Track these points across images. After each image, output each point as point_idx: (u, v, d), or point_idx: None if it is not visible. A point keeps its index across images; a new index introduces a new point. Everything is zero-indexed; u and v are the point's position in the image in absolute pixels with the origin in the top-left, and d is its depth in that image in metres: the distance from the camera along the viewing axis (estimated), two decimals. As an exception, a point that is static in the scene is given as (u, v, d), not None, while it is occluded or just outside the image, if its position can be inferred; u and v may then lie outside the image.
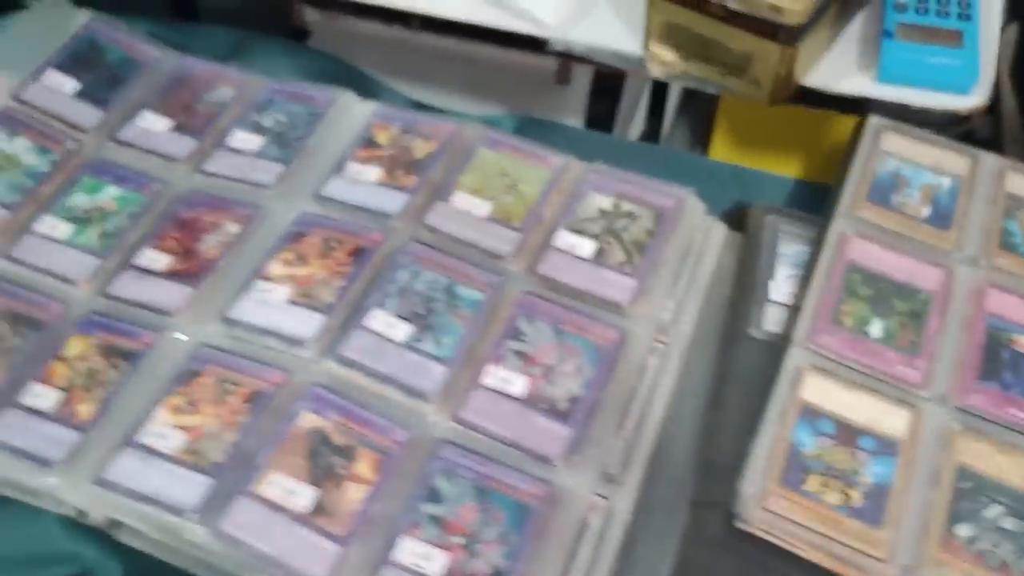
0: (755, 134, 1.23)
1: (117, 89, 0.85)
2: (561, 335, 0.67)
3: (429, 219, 0.73)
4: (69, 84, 0.84)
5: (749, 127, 1.23)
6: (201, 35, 0.94)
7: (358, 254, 0.72)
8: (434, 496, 0.61)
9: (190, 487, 0.61)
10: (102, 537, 0.63)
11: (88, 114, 0.83)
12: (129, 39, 0.88)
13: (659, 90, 1.23)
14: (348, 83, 0.86)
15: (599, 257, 0.71)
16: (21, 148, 0.80)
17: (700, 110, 1.28)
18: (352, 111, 0.82)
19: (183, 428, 0.64)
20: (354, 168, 0.77)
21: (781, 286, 0.71)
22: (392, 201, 0.75)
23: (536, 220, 0.73)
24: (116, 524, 0.62)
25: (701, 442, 0.66)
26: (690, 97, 1.28)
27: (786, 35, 0.73)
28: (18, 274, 0.74)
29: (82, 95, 0.84)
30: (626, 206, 0.74)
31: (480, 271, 0.70)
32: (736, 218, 0.78)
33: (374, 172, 0.77)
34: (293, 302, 0.69)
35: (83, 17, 0.89)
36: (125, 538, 0.62)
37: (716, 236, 0.76)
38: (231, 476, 0.61)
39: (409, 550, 0.59)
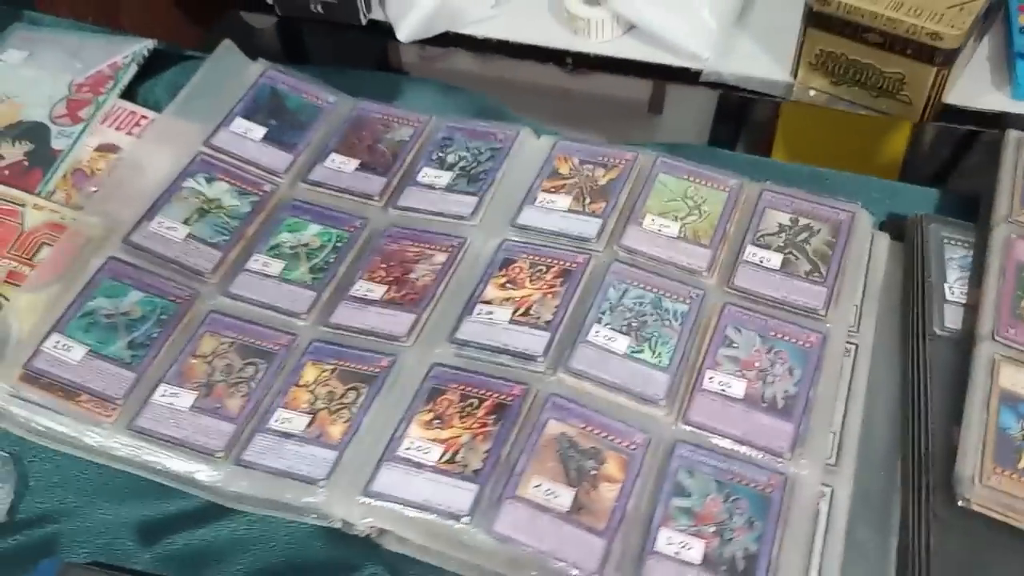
0: (814, 139, 1.30)
1: (301, 133, 0.91)
2: (767, 340, 0.73)
3: (625, 241, 0.79)
4: (257, 130, 0.90)
5: (808, 133, 1.30)
6: (355, 78, 1.00)
7: (566, 276, 0.77)
8: (680, 491, 0.66)
9: (459, 493, 0.66)
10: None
11: (278, 158, 0.89)
12: (306, 85, 0.94)
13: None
14: (497, 117, 0.92)
15: (787, 268, 0.77)
16: (221, 191, 0.86)
17: (759, 117, 1.35)
18: (530, 145, 0.88)
19: (438, 441, 0.69)
20: (544, 197, 0.83)
21: (954, 288, 0.77)
22: (587, 226, 0.81)
23: (722, 237, 0.79)
24: (382, 532, 0.68)
25: (901, 431, 0.72)
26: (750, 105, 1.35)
27: (942, 58, 0.79)
28: (241, 309, 0.79)
29: (269, 140, 0.90)
30: (803, 220, 0.80)
31: (681, 285, 0.76)
32: (890, 228, 0.84)
33: (563, 200, 0.83)
34: (516, 322, 0.75)
35: (258, 66, 0.95)
36: (391, 545, 0.68)
37: (881, 245, 0.82)
38: (495, 482, 0.67)
39: (667, 539, 0.64)
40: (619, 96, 1.38)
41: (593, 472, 0.67)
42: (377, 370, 0.74)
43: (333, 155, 0.89)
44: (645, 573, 0.63)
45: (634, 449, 0.68)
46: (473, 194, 0.84)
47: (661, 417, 0.70)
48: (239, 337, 0.77)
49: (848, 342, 0.75)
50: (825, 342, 0.73)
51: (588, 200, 0.83)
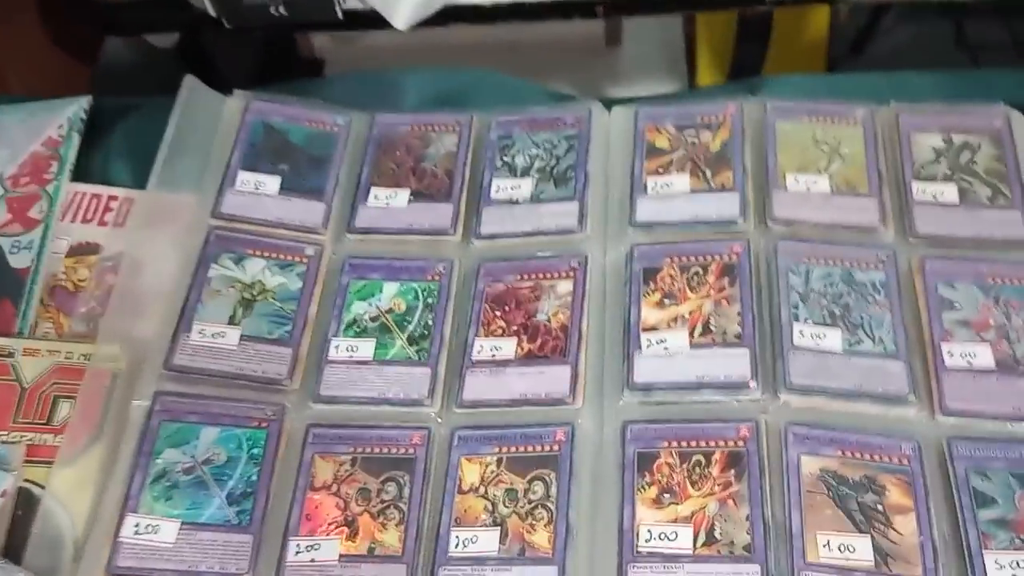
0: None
1: (322, 172, 0.72)
2: (989, 290, 0.62)
3: (778, 212, 0.65)
4: (269, 182, 0.71)
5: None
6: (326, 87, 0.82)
7: (729, 272, 0.63)
8: (983, 500, 0.54)
9: (739, 582, 0.53)
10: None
11: (309, 210, 0.70)
12: (303, 111, 0.75)
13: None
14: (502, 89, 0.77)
15: (966, 199, 0.65)
16: (258, 271, 0.67)
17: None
18: (605, 122, 0.72)
19: (681, 520, 0.55)
20: (656, 182, 0.68)
21: None
22: (724, 204, 0.66)
23: (879, 180, 0.67)
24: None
25: None
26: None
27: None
28: (345, 413, 0.62)
29: (288, 190, 0.71)
30: (958, 138, 0.68)
31: (864, 249, 0.64)
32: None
33: (679, 180, 0.68)
34: (699, 345, 0.61)
35: (237, 101, 0.74)
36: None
37: None
38: (775, 554, 0.53)
39: (996, 565, 0.52)
40: (571, 36, 1.22)
41: (879, 507, 0.54)
42: (555, 447, 0.59)
43: (373, 190, 0.71)
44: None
45: (908, 464, 0.56)
46: (570, 199, 0.68)
47: (917, 415, 0.58)
48: (359, 450, 0.60)
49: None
50: None
51: (709, 172, 0.68)
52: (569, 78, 1.16)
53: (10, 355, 0.63)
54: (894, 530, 0.54)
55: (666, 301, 0.63)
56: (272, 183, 0.71)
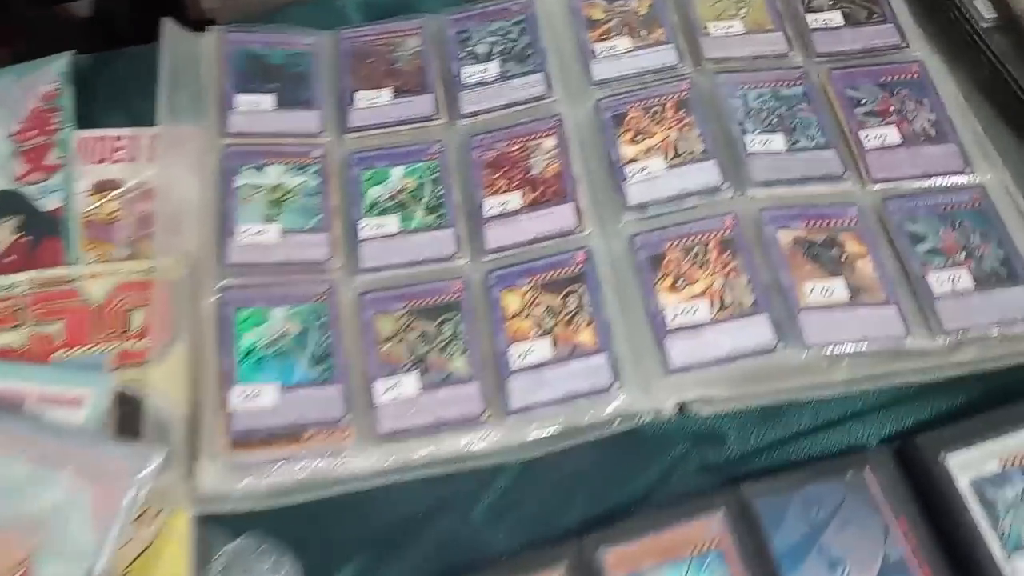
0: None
1: (308, 86, 0.76)
2: (885, 86, 0.73)
3: (710, 53, 0.75)
4: (265, 100, 0.75)
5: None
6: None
7: (685, 105, 0.72)
8: (917, 238, 0.66)
9: (755, 330, 0.63)
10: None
11: (307, 119, 0.75)
12: (275, 36, 0.79)
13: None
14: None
15: (850, 20, 0.77)
16: (279, 175, 0.71)
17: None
18: (545, 6, 0.80)
19: (697, 296, 0.64)
20: (601, 47, 0.76)
21: (968, -15, 0.80)
22: (664, 55, 0.75)
23: (779, 16, 0.77)
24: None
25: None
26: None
27: None
28: (390, 278, 0.68)
29: (284, 105, 0.75)
30: None
31: (784, 71, 0.74)
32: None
33: (622, 42, 0.77)
34: (675, 165, 0.70)
35: (213, 36, 0.78)
36: (702, 411, 0.63)
37: None
38: (777, 305, 0.63)
39: (938, 281, 0.64)
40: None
41: (843, 257, 0.65)
42: (579, 267, 0.67)
43: (357, 94, 0.76)
44: (940, 312, 0.63)
45: (857, 223, 0.67)
46: (534, 71, 0.76)
47: (853, 188, 0.69)
48: (412, 304, 0.66)
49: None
50: (925, 68, 0.74)
51: (644, 32, 0.77)
52: None
53: (72, 280, 0.66)
54: (858, 271, 0.65)
55: (640, 138, 0.71)
56: (267, 100, 0.75)
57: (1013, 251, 0.65)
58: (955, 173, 0.69)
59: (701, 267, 0.65)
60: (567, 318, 0.65)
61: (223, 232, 0.68)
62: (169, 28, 0.76)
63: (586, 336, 0.64)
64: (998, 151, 0.71)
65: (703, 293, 0.64)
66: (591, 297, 0.65)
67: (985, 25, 0.78)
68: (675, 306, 0.64)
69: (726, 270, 0.65)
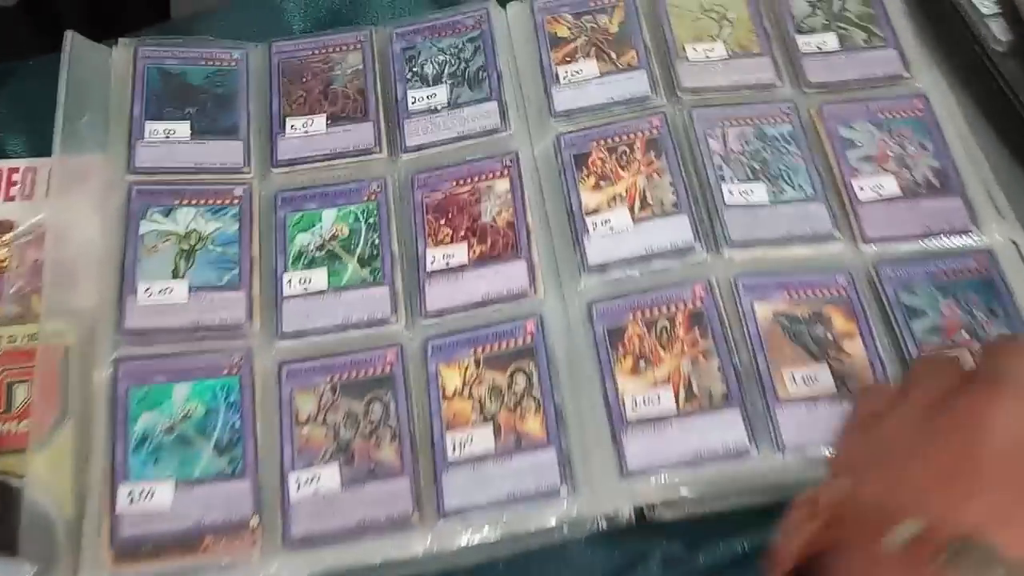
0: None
1: (231, 109, 0.66)
2: (883, 124, 0.64)
3: (687, 81, 0.65)
4: (179, 127, 0.65)
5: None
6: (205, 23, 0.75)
7: (655, 146, 0.63)
8: (914, 313, 0.57)
9: (727, 427, 0.54)
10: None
11: (227, 150, 0.65)
12: (195, 50, 0.68)
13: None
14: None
15: (846, 44, 0.67)
16: (190, 219, 0.62)
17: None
18: (503, 21, 0.70)
19: (660, 383, 0.56)
20: (566, 71, 0.66)
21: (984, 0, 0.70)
22: (634, 84, 0.65)
23: (767, 39, 0.67)
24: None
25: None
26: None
27: None
28: (314, 345, 0.59)
29: (201, 133, 0.65)
30: None
31: (769, 106, 0.64)
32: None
33: (588, 65, 0.66)
34: (641, 219, 0.60)
35: (125, 50, 0.68)
36: (664, 515, 0.54)
37: None
38: (751, 396, 0.55)
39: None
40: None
41: (829, 336, 0.57)
42: (528, 338, 0.58)
43: (288, 120, 0.66)
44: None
45: (846, 293, 0.58)
46: (488, 99, 0.66)
47: (844, 250, 0.60)
48: (338, 378, 0.58)
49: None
50: (929, 104, 0.64)
51: (614, 55, 0.67)
52: None
53: (-52, 350, 0.57)
54: (845, 353, 0.56)
55: (603, 183, 0.62)
56: (182, 128, 0.65)
57: (1017, 326, 0.57)
58: (959, 232, 0.60)
59: (666, 346, 0.57)
60: (513, 401, 0.56)
61: (123, 290, 0.59)
62: (72, 40, 0.66)
63: (533, 425, 0.55)
64: (1010, 201, 0.62)
65: (668, 379, 0.56)
66: (541, 377, 0.57)
67: (999, 49, 0.68)
68: (636, 393, 0.55)
69: (695, 351, 0.56)
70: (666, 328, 0.57)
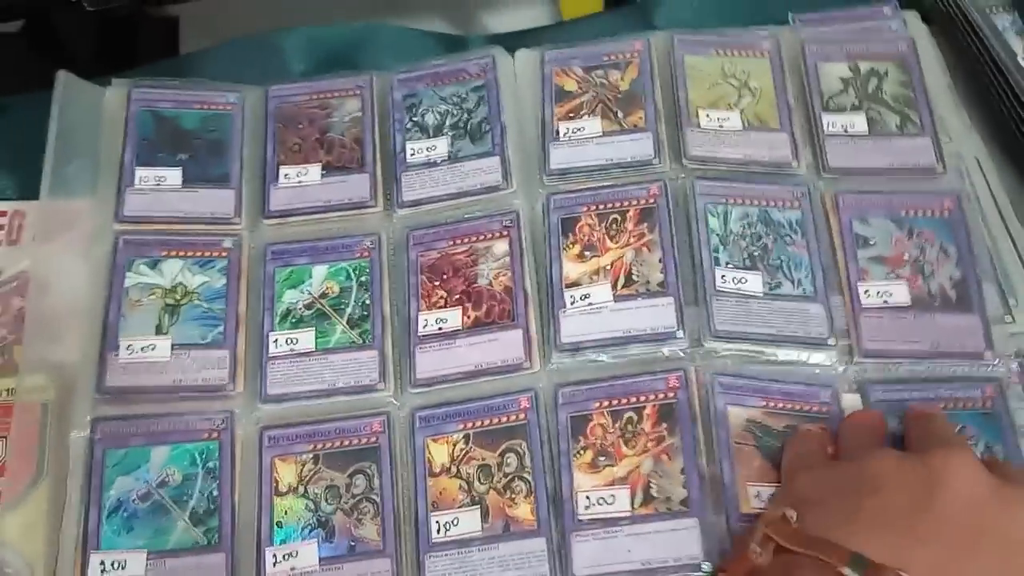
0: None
1: (224, 156, 0.64)
2: (903, 222, 0.59)
3: (694, 150, 0.62)
4: (170, 175, 0.63)
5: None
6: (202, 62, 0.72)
7: (648, 216, 0.60)
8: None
9: (683, 538, 0.51)
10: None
11: (218, 199, 0.63)
12: (189, 93, 0.66)
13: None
14: (390, 40, 0.71)
15: (875, 129, 0.62)
16: (176, 272, 0.60)
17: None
18: (510, 69, 0.67)
19: (617, 482, 0.53)
20: (567, 127, 0.63)
21: (1024, 57, 0.66)
22: (638, 146, 0.62)
23: (789, 114, 0.63)
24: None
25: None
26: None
27: None
28: (298, 410, 0.57)
29: (192, 180, 0.63)
30: (864, 66, 0.65)
31: (780, 187, 0.61)
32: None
33: (591, 123, 0.64)
34: (623, 297, 0.58)
35: (118, 91, 0.65)
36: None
37: (924, 41, 0.67)
38: (712, 505, 0.52)
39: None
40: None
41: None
42: (521, 415, 0.56)
43: (282, 169, 0.64)
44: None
45: (827, 410, 0.54)
46: (490, 153, 0.63)
47: (837, 361, 0.56)
48: (320, 446, 0.56)
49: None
50: (959, 199, 0.60)
51: (620, 114, 0.64)
52: (434, 9, 1.07)
53: (-75, 402, 0.55)
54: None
55: (587, 254, 0.59)
56: (173, 175, 0.63)
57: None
58: (971, 357, 0.55)
59: (629, 442, 0.54)
60: (503, 483, 0.54)
61: (104, 346, 0.57)
62: (64, 80, 0.63)
63: (523, 510, 0.54)
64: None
65: (626, 477, 0.53)
66: (533, 457, 0.55)
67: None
68: (590, 491, 0.53)
69: (659, 449, 0.54)
70: (633, 420, 0.55)
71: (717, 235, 0.59)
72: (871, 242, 0.59)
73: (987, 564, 0.41)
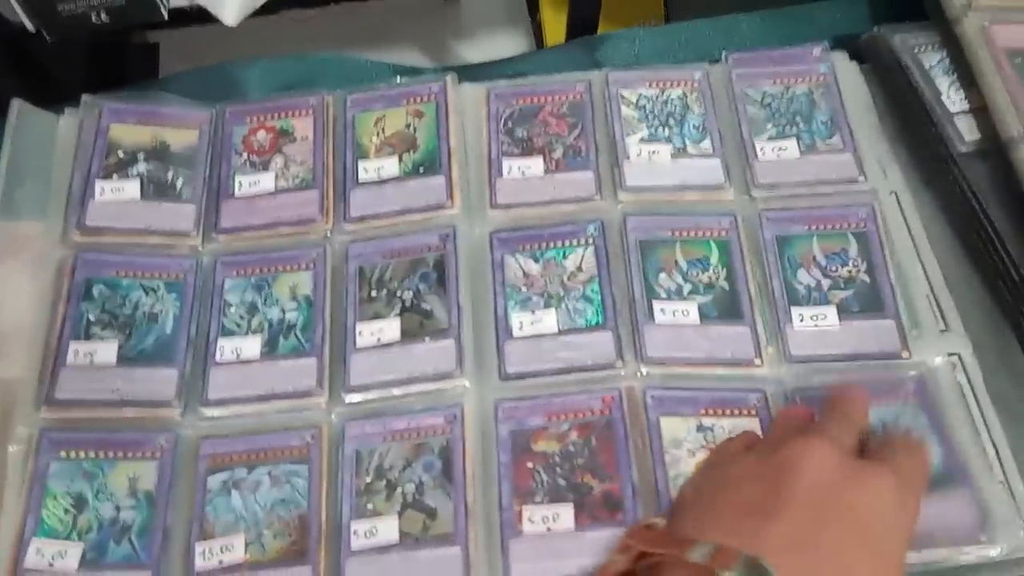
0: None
1: (183, 167, 0.65)
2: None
3: (630, 182, 0.63)
4: (128, 187, 0.64)
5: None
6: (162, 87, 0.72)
7: (586, 259, 0.60)
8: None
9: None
10: None
11: (177, 213, 0.63)
12: (149, 109, 0.67)
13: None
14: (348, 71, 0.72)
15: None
16: (132, 287, 0.60)
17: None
18: (458, 94, 0.67)
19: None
20: (513, 165, 0.64)
21: (952, 97, 0.66)
22: (580, 185, 0.63)
23: (720, 141, 0.65)
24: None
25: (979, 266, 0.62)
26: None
27: None
28: (238, 425, 0.57)
29: (154, 194, 0.64)
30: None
31: (708, 218, 0.61)
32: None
33: (536, 163, 0.64)
34: (563, 332, 0.59)
35: (70, 119, 0.66)
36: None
37: (852, 77, 0.68)
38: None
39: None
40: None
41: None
42: (449, 427, 0.56)
43: (238, 177, 0.65)
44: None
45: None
46: (435, 173, 0.64)
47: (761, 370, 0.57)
48: (256, 457, 0.56)
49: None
50: (874, 213, 0.61)
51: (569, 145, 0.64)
52: (412, 42, 1.07)
53: None
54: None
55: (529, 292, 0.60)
56: (130, 188, 0.63)
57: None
58: (885, 358, 0.57)
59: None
60: (414, 497, 0.55)
61: (56, 357, 0.58)
62: (19, 109, 0.64)
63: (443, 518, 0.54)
64: (960, 308, 0.59)
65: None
66: (454, 473, 0.55)
67: (963, 150, 0.64)
68: (532, 509, 0.53)
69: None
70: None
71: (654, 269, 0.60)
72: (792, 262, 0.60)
73: (840, 533, 0.42)
